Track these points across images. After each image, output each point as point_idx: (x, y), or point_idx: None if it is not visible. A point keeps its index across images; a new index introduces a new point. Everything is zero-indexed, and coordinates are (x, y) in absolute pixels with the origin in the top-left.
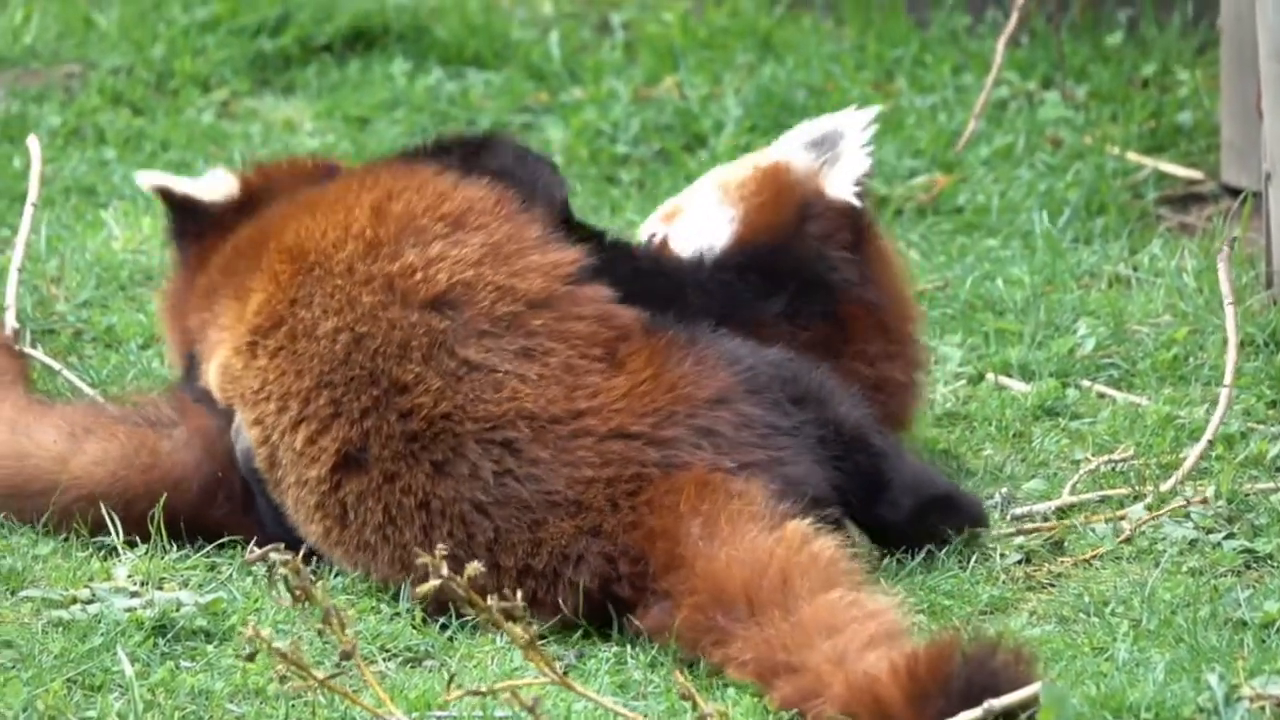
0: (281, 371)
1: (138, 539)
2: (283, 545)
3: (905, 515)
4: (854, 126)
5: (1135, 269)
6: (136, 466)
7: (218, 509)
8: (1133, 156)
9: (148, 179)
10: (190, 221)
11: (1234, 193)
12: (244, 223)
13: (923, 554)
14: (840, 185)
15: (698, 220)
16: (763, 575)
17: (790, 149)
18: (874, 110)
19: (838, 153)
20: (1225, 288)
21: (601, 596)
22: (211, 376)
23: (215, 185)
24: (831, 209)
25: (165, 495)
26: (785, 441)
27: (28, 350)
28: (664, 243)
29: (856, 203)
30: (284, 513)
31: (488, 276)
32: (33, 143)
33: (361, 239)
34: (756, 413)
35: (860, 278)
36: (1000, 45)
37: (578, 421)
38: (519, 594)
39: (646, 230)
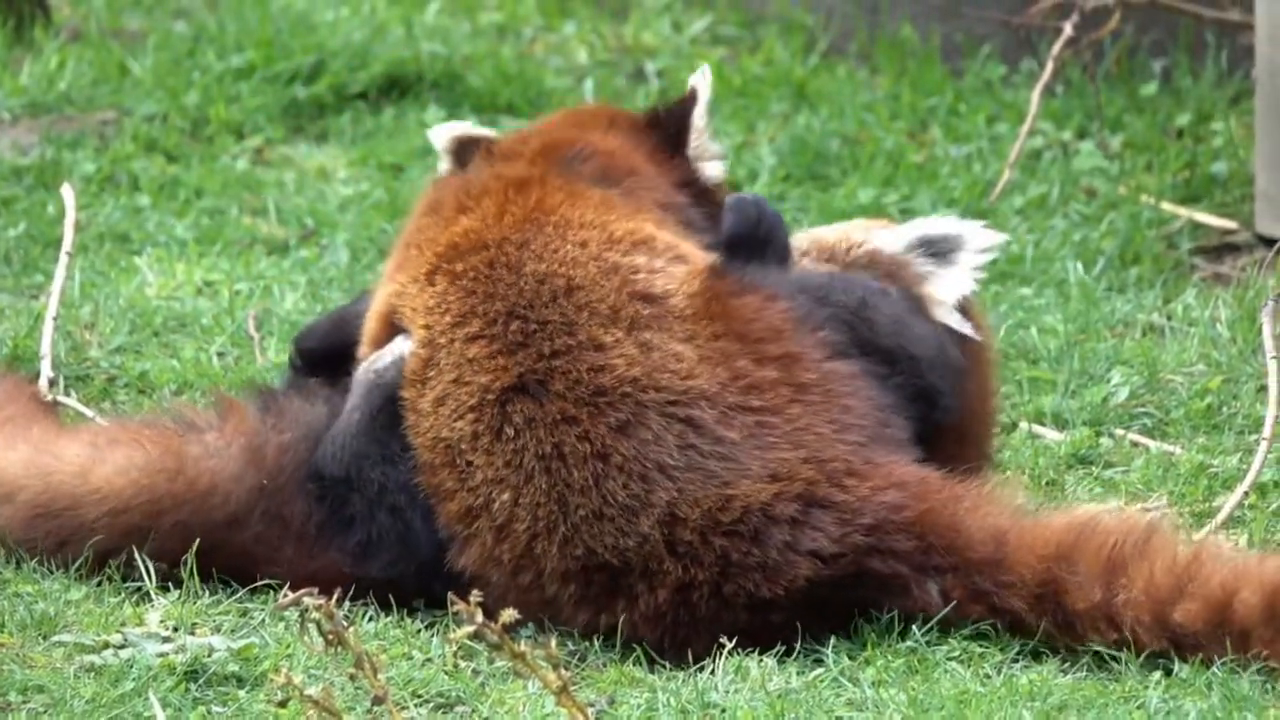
0: (468, 291)
1: (170, 584)
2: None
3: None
4: (975, 243)
5: (1169, 318)
6: (161, 473)
7: (249, 527)
8: (1167, 206)
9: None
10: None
11: (1268, 243)
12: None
13: (953, 603)
14: (946, 296)
15: None
16: (1114, 535)
17: (900, 240)
18: (1002, 238)
19: (950, 261)
20: (1269, 342)
21: (848, 565)
22: (377, 303)
23: None
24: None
25: (193, 510)
26: (900, 411)
27: (61, 398)
28: None
29: (972, 335)
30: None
31: (681, 287)
32: (67, 192)
33: (606, 230)
34: (888, 398)
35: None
36: (1035, 95)
37: (759, 415)
38: (707, 554)
39: None
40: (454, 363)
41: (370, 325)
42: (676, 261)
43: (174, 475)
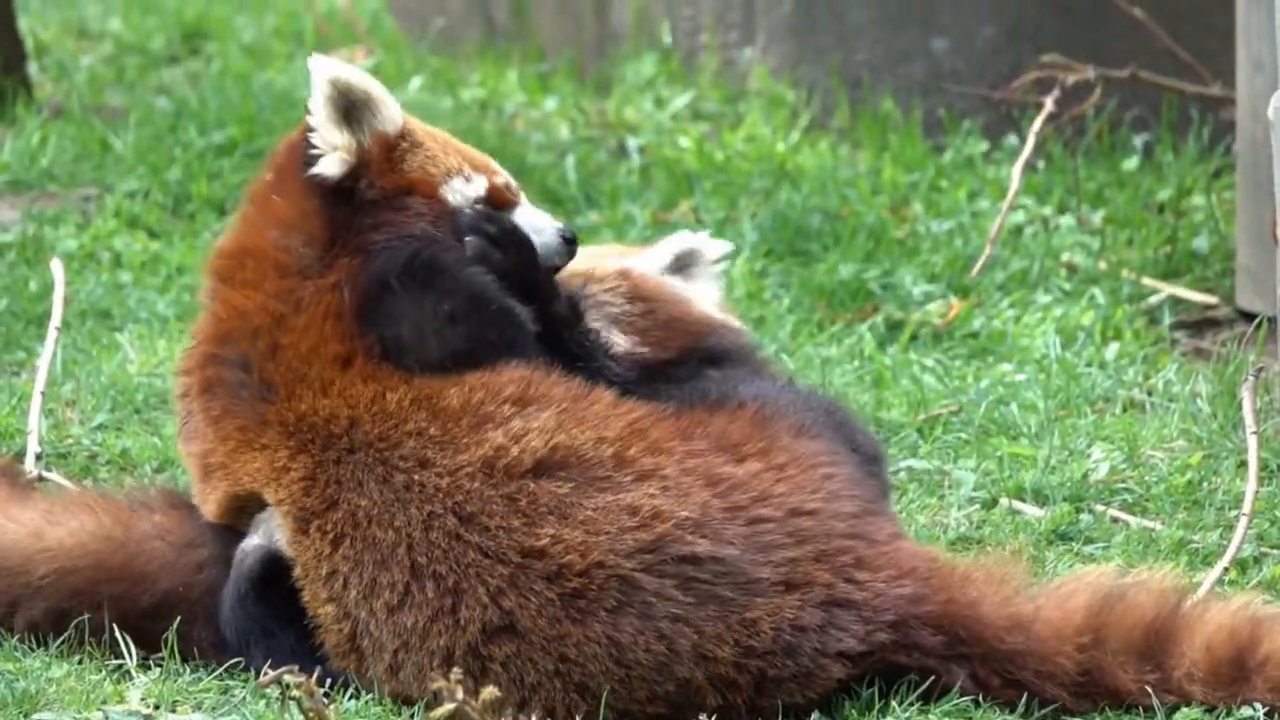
0: (356, 561)
1: (150, 662)
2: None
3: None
4: (709, 254)
5: (1150, 394)
6: (109, 540)
7: (167, 623)
8: (1148, 281)
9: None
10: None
11: (1249, 318)
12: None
13: (934, 677)
14: (708, 305)
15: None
16: (1144, 606)
17: (654, 263)
18: (728, 246)
19: (693, 276)
20: (1249, 417)
21: (874, 663)
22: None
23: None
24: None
25: (126, 588)
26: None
27: (45, 473)
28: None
29: (738, 325)
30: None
31: (576, 435)
32: (56, 266)
33: (424, 436)
34: (862, 475)
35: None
36: (1016, 171)
37: (749, 510)
38: (743, 677)
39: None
40: (394, 632)
41: (221, 498)
42: (526, 408)
43: (119, 545)
